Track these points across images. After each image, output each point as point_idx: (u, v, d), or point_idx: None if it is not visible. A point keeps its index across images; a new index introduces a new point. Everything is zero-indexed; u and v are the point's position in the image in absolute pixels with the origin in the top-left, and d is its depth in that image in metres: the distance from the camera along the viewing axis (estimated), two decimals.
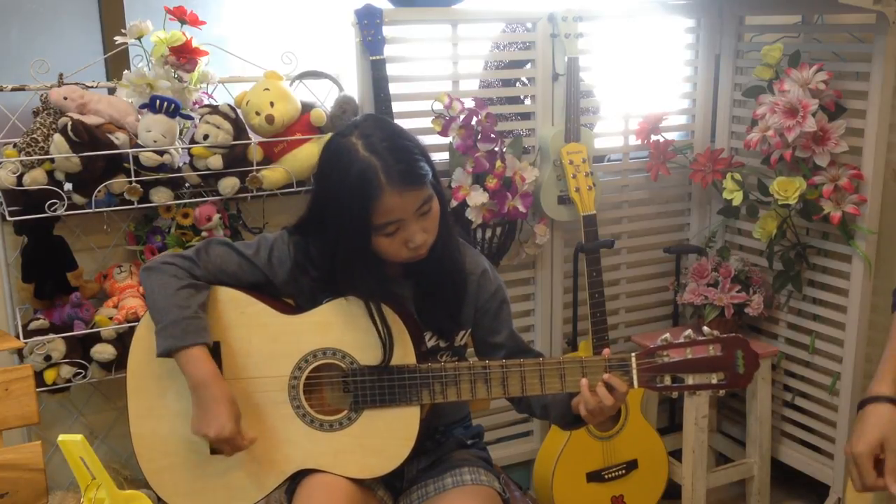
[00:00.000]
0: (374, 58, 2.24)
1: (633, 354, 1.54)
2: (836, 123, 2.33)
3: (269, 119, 2.09)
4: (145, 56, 2.08)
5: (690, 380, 1.53)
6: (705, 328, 1.55)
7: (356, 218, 1.49)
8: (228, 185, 2.08)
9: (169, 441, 1.62)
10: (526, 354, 1.66)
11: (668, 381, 1.53)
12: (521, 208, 2.37)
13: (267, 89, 2.12)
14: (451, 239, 1.64)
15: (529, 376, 1.56)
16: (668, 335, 1.55)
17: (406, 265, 1.63)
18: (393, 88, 2.27)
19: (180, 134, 2.06)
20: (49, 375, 2.01)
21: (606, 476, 2.54)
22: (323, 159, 1.59)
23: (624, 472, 2.56)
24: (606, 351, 1.57)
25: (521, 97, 2.59)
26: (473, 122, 2.29)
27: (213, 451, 1.62)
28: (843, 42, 2.51)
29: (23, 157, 1.92)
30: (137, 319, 1.99)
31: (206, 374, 1.53)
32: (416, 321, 1.63)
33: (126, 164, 1.98)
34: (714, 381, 1.53)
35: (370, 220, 1.49)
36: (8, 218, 1.94)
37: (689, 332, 1.54)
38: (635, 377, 1.53)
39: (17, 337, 2.00)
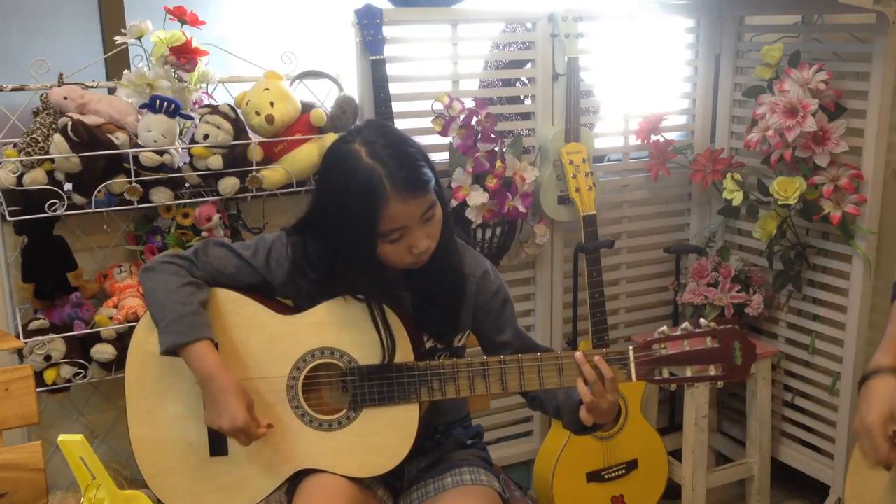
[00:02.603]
0: (374, 58, 2.24)
1: (630, 347, 1.54)
2: (836, 123, 2.33)
3: (269, 119, 2.09)
4: (145, 56, 2.08)
5: (688, 372, 1.53)
6: (702, 320, 1.55)
7: (361, 226, 1.49)
8: (228, 185, 2.08)
9: (168, 443, 1.62)
10: (534, 351, 1.66)
11: (665, 373, 1.53)
12: (521, 208, 2.37)
13: (267, 89, 2.12)
14: (451, 243, 1.64)
15: (527, 372, 1.56)
16: (665, 328, 1.54)
17: (405, 269, 1.63)
18: (393, 88, 2.27)
19: (180, 134, 2.06)
20: (49, 375, 2.01)
21: (606, 476, 2.54)
22: (325, 165, 1.58)
23: (624, 472, 2.56)
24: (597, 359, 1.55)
25: (521, 97, 2.59)
26: (473, 122, 2.29)
27: (213, 454, 1.62)
28: (843, 42, 2.51)
29: (23, 157, 1.92)
30: (137, 319, 1.98)
31: (212, 368, 1.53)
32: (415, 322, 1.63)
33: (126, 164, 1.98)
34: (712, 373, 1.53)
35: (376, 227, 1.49)
36: (8, 218, 1.94)
37: (686, 324, 1.54)
38: (633, 370, 1.53)
39: (17, 337, 2.00)
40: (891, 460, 1.50)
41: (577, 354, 1.53)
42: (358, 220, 1.48)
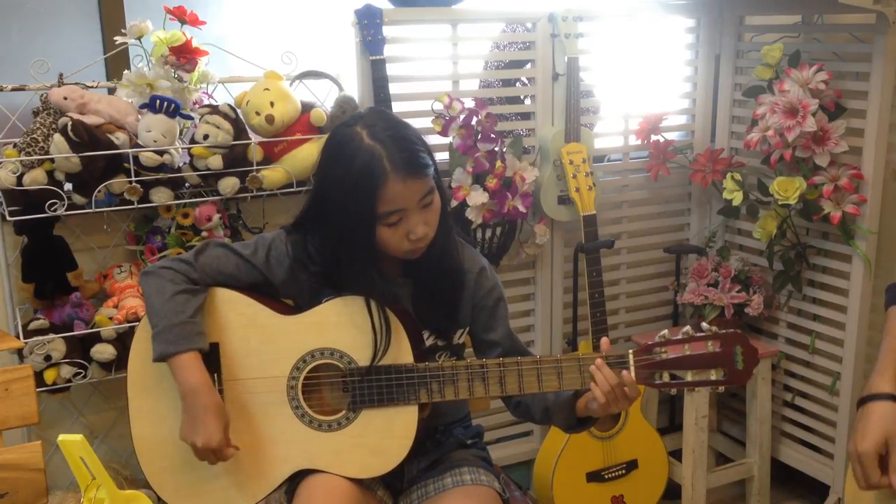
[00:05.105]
0: (374, 58, 2.24)
1: (630, 351, 1.53)
2: (836, 123, 2.33)
3: (269, 119, 2.09)
4: (145, 56, 2.08)
5: (689, 376, 1.52)
6: (704, 324, 1.54)
7: (360, 206, 1.49)
8: (228, 185, 2.08)
9: (169, 442, 1.62)
10: (521, 355, 1.66)
11: (666, 377, 1.53)
12: (521, 208, 2.37)
13: (267, 89, 2.12)
14: (451, 237, 1.64)
15: (527, 374, 1.56)
16: (666, 332, 1.53)
17: (404, 264, 1.63)
18: (393, 88, 2.27)
19: (180, 134, 2.06)
20: (49, 375, 2.01)
21: (606, 476, 2.54)
22: (326, 149, 1.58)
23: (624, 472, 2.56)
24: (605, 340, 1.56)
25: (521, 97, 2.59)
26: (473, 122, 2.29)
27: (201, 459, 1.62)
28: (843, 42, 2.51)
29: (23, 157, 1.92)
30: (137, 319, 1.99)
31: (195, 382, 1.53)
32: (415, 320, 1.63)
33: (126, 164, 1.98)
34: (713, 378, 1.52)
35: (375, 208, 1.49)
36: (8, 218, 1.94)
37: (687, 328, 1.53)
38: (633, 374, 1.53)
39: (17, 337, 2.00)
40: (881, 485, 1.50)
41: (598, 362, 1.52)
42: (358, 202, 1.49)
